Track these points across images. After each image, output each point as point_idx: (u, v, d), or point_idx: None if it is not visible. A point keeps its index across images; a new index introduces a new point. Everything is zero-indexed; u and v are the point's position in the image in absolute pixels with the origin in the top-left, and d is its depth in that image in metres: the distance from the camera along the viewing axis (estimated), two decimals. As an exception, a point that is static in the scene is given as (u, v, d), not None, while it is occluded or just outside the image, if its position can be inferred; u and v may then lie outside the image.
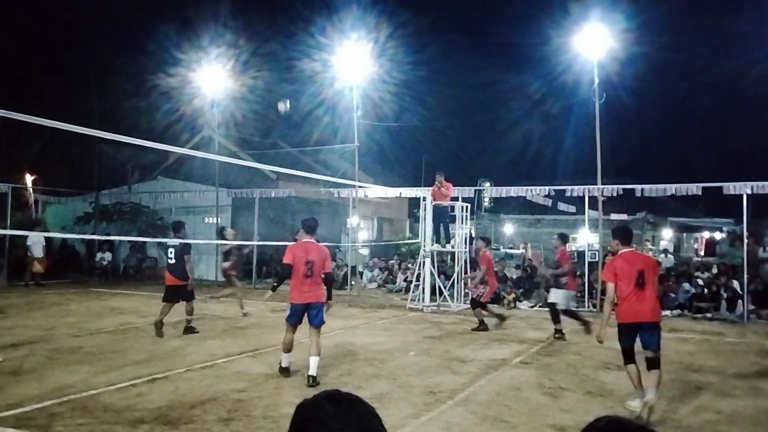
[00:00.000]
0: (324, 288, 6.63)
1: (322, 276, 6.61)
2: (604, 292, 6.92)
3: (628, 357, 5.51)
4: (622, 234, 5.91)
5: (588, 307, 13.69)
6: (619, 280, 5.49)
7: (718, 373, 7.29)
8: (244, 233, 19.09)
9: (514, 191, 16.47)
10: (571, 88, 17.78)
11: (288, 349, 6.57)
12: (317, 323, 6.47)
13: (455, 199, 14.27)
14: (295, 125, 28.56)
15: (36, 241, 16.66)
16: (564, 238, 10.05)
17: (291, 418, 1.20)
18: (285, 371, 6.60)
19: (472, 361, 7.61)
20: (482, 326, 10.29)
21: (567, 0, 17.68)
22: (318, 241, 6.81)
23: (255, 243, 17.03)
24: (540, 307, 13.99)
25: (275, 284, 6.86)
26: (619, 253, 5.75)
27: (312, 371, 6.29)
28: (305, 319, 6.49)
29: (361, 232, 18.08)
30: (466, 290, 10.82)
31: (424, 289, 13.18)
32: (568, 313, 9.66)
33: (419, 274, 13.55)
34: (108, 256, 18.99)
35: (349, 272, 17.18)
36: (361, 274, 18.78)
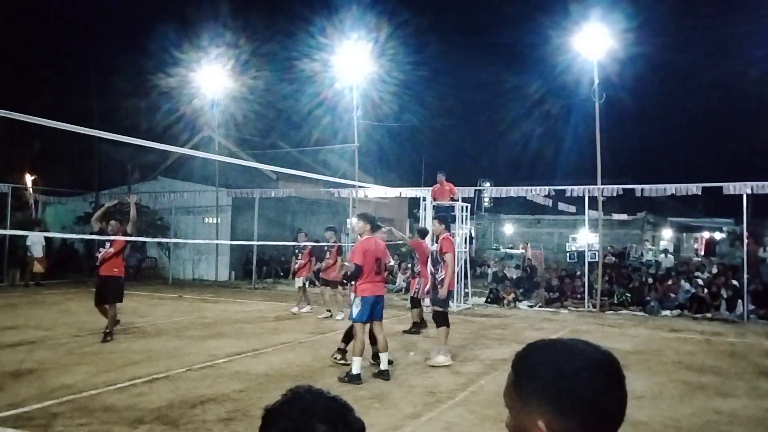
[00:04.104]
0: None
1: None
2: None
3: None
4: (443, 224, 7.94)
5: (588, 306, 13.69)
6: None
7: (718, 373, 7.29)
8: (244, 233, 19.12)
9: (514, 191, 16.47)
10: (571, 88, 17.80)
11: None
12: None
13: (455, 199, 14.27)
14: (295, 125, 28.59)
15: (36, 241, 16.66)
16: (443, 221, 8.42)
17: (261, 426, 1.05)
18: (358, 378, 6.39)
19: (472, 361, 7.61)
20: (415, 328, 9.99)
21: (567, 0, 17.68)
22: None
23: (255, 243, 17.04)
24: (540, 306, 14.01)
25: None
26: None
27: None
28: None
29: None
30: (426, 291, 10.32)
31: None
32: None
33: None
34: (108, 256, 18.97)
35: (351, 273, 17.17)
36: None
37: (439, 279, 7.40)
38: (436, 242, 8.17)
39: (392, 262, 15.84)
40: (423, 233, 10.81)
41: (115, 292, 8.65)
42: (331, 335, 9.51)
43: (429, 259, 10.15)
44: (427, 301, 10.31)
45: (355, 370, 6.39)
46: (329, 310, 11.47)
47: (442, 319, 7.39)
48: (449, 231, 7.94)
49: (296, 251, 12.48)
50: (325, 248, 11.97)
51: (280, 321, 11.05)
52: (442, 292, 7.30)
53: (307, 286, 12.28)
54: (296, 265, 12.36)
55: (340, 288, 11.39)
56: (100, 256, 8.72)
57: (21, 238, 16.69)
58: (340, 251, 11.88)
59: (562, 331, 10.48)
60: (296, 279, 12.39)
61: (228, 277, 19.79)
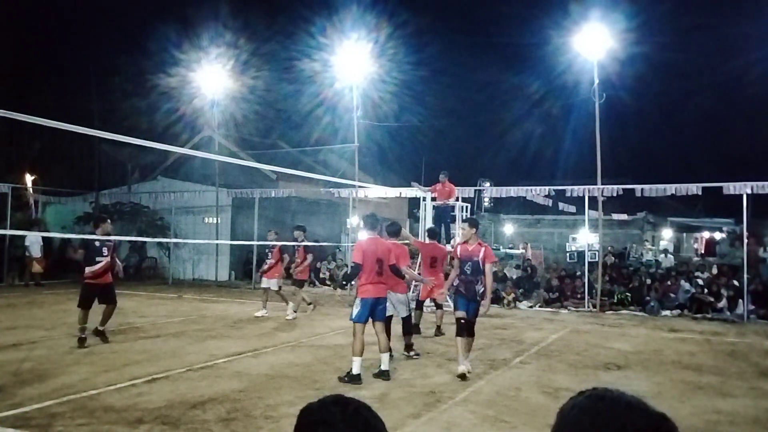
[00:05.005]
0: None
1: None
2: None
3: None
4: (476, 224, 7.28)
5: (588, 306, 13.70)
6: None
7: (718, 373, 7.29)
8: (244, 233, 19.11)
9: (514, 191, 16.48)
10: (571, 88, 17.80)
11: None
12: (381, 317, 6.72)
13: (455, 199, 14.27)
14: (295, 125, 28.59)
15: (34, 241, 16.66)
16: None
17: (296, 421, 1.20)
18: (358, 378, 6.41)
19: (472, 361, 7.60)
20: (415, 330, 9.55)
21: (567, 0, 17.68)
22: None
23: (255, 243, 17.03)
24: (540, 306, 14.01)
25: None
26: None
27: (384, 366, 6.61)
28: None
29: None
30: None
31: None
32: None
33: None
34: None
35: (349, 272, 17.17)
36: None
37: (480, 291, 6.78)
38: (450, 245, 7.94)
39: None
40: (432, 234, 10.45)
41: (113, 296, 8.46)
42: (331, 335, 9.52)
43: (442, 262, 9.82)
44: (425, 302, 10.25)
45: (354, 371, 6.40)
46: (310, 303, 11.44)
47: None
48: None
49: (266, 250, 12.22)
50: (295, 247, 11.77)
51: (280, 321, 11.04)
52: (486, 304, 6.82)
53: (277, 287, 11.76)
54: (266, 265, 12.01)
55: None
56: (100, 266, 8.24)
57: (19, 238, 16.71)
58: (307, 250, 11.68)
59: (562, 331, 10.48)
60: (264, 279, 11.92)
61: (228, 277, 19.79)
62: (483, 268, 6.77)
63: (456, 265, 7.04)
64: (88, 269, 8.23)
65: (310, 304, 11.49)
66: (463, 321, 6.79)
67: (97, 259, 8.25)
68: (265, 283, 11.85)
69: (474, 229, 6.98)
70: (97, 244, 8.28)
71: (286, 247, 11.99)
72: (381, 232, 7.23)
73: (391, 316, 7.68)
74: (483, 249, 6.86)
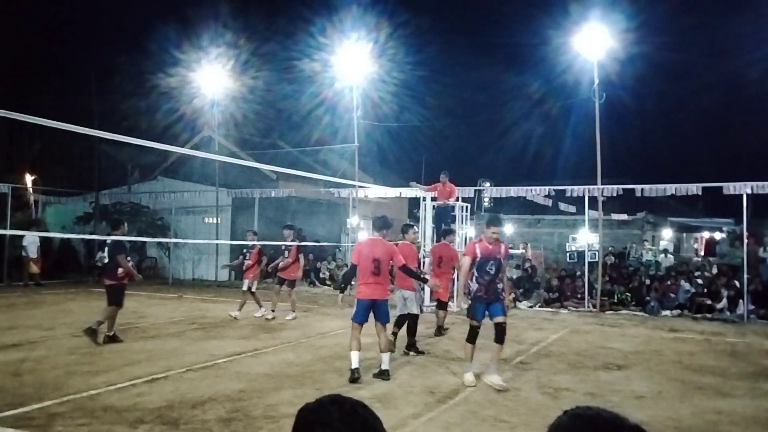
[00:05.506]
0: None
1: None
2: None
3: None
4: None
5: (588, 306, 13.70)
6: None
7: (718, 373, 7.29)
8: (244, 233, 19.10)
9: (514, 191, 16.48)
10: (571, 88, 17.77)
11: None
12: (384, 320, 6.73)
13: (455, 199, 14.26)
14: (295, 125, 28.59)
15: (31, 241, 16.67)
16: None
17: (294, 421, 1.21)
18: (355, 371, 6.45)
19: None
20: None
21: (567, 0, 17.68)
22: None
23: (255, 243, 17.01)
24: (540, 307, 14.00)
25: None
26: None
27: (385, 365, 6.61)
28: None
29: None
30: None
31: (423, 289, 13.15)
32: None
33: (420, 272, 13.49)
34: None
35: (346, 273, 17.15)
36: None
37: (501, 288, 6.60)
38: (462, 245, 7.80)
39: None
40: (445, 233, 10.29)
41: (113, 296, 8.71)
42: (331, 335, 9.52)
43: (449, 263, 9.71)
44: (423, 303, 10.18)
45: (352, 365, 6.47)
46: (273, 310, 11.27)
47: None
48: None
49: (245, 251, 12.02)
50: (283, 247, 11.53)
51: (279, 321, 11.05)
52: (507, 301, 6.73)
53: (254, 288, 11.60)
54: (243, 266, 11.82)
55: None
56: (132, 265, 8.93)
57: (17, 238, 16.71)
58: (300, 250, 11.48)
59: (563, 331, 10.49)
60: (244, 281, 11.72)
61: (228, 278, 19.79)
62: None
63: (466, 267, 6.63)
64: (121, 270, 8.53)
65: (273, 311, 11.27)
66: (478, 328, 6.64)
67: (128, 258, 8.81)
68: (245, 284, 11.68)
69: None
70: (126, 245, 8.89)
71: (266, 249, 11.88)
72: (386, 235, 7.12)
73: (404, 315, 7.74)
74: (502, 245, 6.68)
